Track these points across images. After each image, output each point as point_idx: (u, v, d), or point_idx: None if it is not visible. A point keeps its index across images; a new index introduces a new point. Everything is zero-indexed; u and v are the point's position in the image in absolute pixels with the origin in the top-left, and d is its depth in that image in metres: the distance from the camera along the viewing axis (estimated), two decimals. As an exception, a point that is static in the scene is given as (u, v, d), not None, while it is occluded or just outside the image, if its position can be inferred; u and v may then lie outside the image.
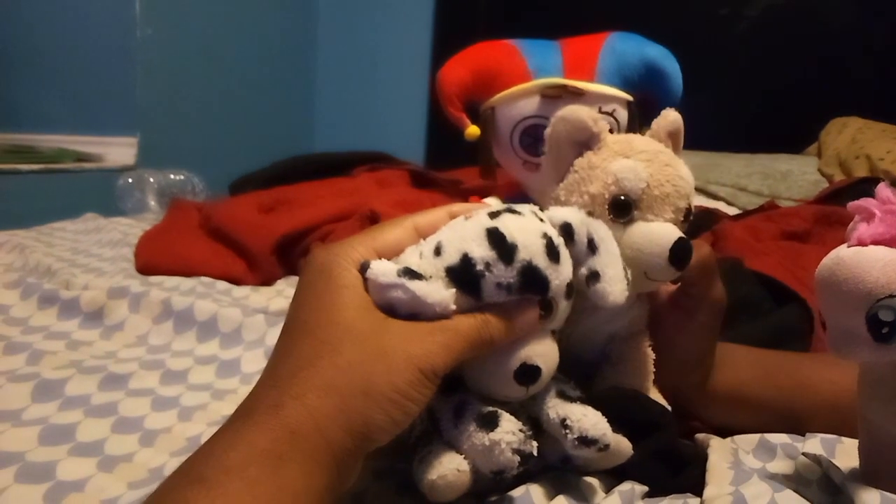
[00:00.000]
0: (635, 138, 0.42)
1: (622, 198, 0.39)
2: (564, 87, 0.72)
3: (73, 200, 1.27)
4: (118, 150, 1.86)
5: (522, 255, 0.33)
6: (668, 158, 0.40)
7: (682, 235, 0.39)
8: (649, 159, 0.40)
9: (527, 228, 0.34)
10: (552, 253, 0.34)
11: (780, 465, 0.42)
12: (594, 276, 0.36)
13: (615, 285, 0.36)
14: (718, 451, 0.41)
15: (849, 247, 0.34)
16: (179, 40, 1.98)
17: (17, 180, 1.63)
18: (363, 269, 0.33)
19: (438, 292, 0.32)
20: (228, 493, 0.26)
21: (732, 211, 1.27)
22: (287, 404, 0.29)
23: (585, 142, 0.41)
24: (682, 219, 0.40)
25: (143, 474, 0.43)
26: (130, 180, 1.36)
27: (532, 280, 0.34)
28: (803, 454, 0.41)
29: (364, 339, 0.31)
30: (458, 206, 0.37)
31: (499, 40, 0.80)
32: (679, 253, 0.38)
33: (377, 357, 0.30)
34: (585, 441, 0.34)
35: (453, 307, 0.33)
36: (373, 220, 0.91)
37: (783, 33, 1.85)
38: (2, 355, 0.56)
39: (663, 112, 0.43)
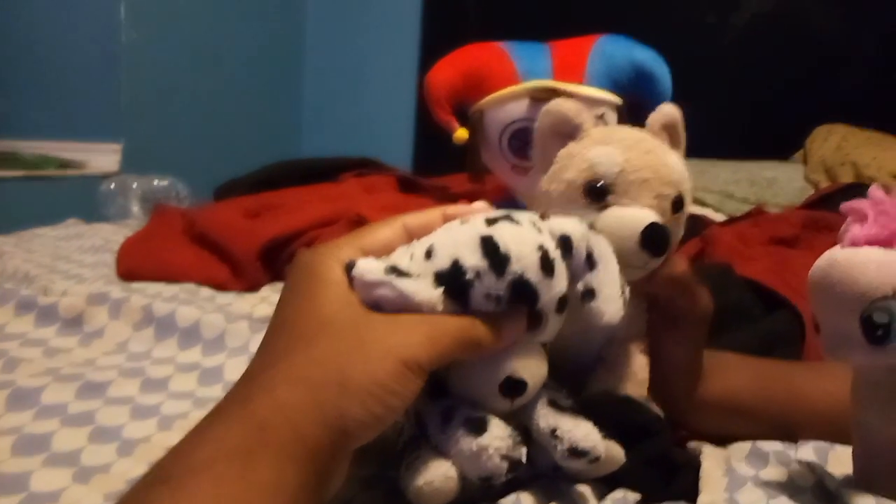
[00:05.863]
0: (619, 128, 0.42)
1: (597, 183, 0.39)
2: (554, 90, 0.72)
3: (55, 207, 1.25)
4: (102, 156, 1.84)
5: (514, 267, 0.32)
6: (652, 147, 0.40)
7: (657, 221, 0.37)
8: (628, 146, 0.39)
9: (523, 239, 0.33)
10: (546, 266, 0.33)
11: (774, 473, 0.42)
12: (589, 293, 0.34)
13: (610, 305, 0.35)
14: (711, 458, 0.40)
15: (842, 248, 0.34)
16: (164, 45, 1.97)
17: (-1, 187, 1.62)
18: (349, 268, 0.32)
19: (426, 291, 0.31)
20: (193, 492, 0.25)
21: (720, 217, 1.27)
22: (256, 398, 0.28)
23: (569, 133, 0.41)
24: (668, 206, 0.39)
25: (120, 485, 0.42)
26: (113, 186, 1.34)
27: (521, 293, 0.33)
28: (797, 461, 0.40)
29: (342, 332, 0.30)
30: (453, 208, 0.36)
31: (488, 42, 0.80)
32: (651, 236, 0.37)
33: (354, 348, 0.29)
34: (575, 452, 0.34)
35: (440, 308, 0.32)
36: (360, 224, 0.90)
37: (769, 41, 1.86)
38: (-25, 363, 0.54)
39: (659, 106, 0.43)
